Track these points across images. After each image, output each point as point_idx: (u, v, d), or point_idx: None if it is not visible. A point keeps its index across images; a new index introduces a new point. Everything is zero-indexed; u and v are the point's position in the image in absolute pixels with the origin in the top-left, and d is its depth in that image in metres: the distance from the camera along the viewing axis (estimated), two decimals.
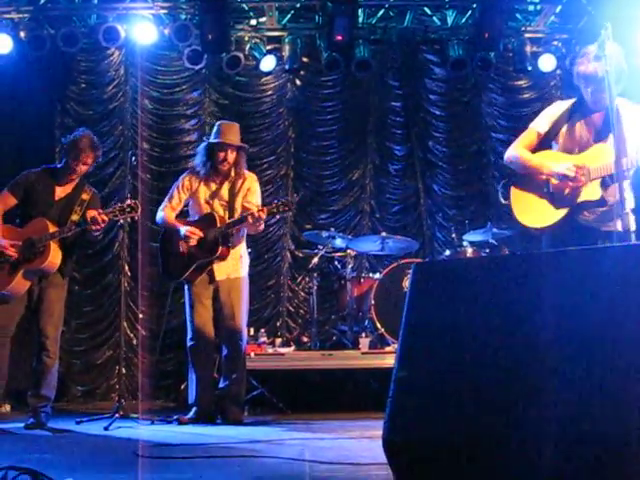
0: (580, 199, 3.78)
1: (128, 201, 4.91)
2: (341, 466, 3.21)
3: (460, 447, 2.03)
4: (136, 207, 4.87)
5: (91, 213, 4.78)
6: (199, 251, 5.23)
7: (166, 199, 5.52)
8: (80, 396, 7.62)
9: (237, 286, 5.35)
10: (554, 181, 3.84)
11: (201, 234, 5.21)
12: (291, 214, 7.88)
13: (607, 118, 3.71)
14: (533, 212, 3.95)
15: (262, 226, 5.33)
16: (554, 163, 3.85)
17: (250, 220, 5.03)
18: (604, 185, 3.74)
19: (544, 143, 4.06)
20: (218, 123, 5.53)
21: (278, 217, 5.60)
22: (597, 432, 1.85)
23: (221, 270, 5.31)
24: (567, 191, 3.81)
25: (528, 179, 4.02)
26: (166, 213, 5.44)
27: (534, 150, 4.04)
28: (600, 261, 2.15)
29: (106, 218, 4.78)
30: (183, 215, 5.61)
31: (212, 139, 5.38)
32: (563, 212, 3.82)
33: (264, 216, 5.07)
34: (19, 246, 4.83)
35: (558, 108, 4.08)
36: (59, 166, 5.17)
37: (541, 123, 4.07)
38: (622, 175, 3.38)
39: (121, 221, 5.01)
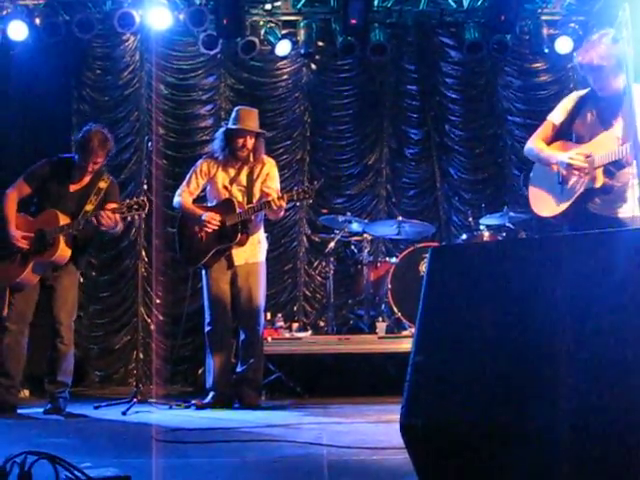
0: (585, 187, 3.79)
1: (136, 198, 4.92)
2: (358, 450, 3.21)
3: (478, 431, 2.02)
4: (144, 204, 4.87)
5: (101, 211, 4.79)
6: (218, 237, 5.24)
7: (184, 184, 5.51)
8: (98, 381, 7.68)
9: (255, 271, 5.36)
10: (563, 170, 3.85)
11: (221, 220, 5.22)
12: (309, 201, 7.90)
13: (613, 105, 3.73)
14: (545, 201, 4.02)
15: (282, 212, 5.32)
16: (561, 153, 3.87)
17: (273, 207, 5.03)
18: (607, 173, 3.75)
19: (562, 134, 4.09)
20: (237, 109, 5.49)
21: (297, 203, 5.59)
22: (613, 421, 1.83)
23: (239, 255, 5.32)
24: (574, 179, 3.82)
25: (543, 169, 4.05)
26: (184, 198, 5.44)
27: (551, 141, 4.07)
28: (616, 245, 2.14)
29: (112, 215, 4.79)
30: (200, 200, 5.61)
31: (230, 125, 5.35)
32: (570, 201, 3.85)
33: (284, 204, 5.07)
34: (30, 238, 4.86)
35: (572, 98, 4.15)
36: (75, 158, 5.16)
37: (556, 114, 4.15)
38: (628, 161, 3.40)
39: (129, 218, 5.01)
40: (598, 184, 3.78)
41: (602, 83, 3.81)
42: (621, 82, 3.63)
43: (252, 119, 5.36)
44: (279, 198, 5.04)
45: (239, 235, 5.19)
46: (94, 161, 4.98)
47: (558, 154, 3.91)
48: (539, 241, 2.79)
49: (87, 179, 5.08)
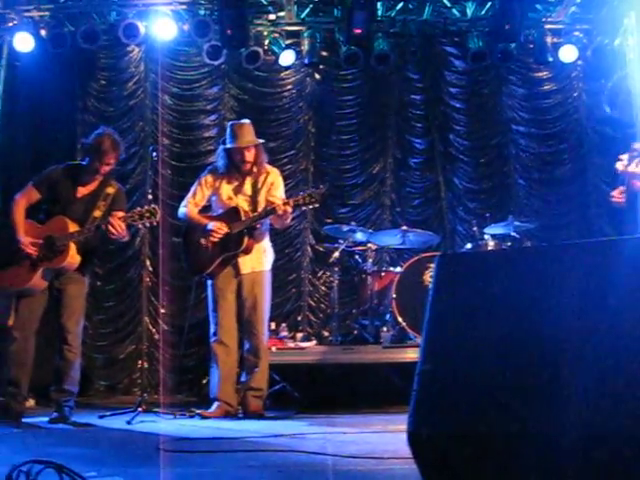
0: None
1: (147, 206, 4.91)
2: (364, 460, 3.20)
3: (486, 440, 2.01)
4: (155, 212, 4.86)
5: (112, 218, 4.79)
6: (224, 245, 5.24)
7: (188, 195, 5.53)
8: (103, 390, 7.68)
9: (260, 279, 5.37)
10: None
11: (227, 228, 5.22)
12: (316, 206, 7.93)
13: None
14: None
15: (289, 219, 5.31)
16: None
17: (279, 212, 5.03)
18: None
19: None
20: (230, 125, 5.52)
21: (303, 209, 5.56)
22: (625, 425, 1.83)
23: (246, 263, 5.33)
24: None
25: None
26: (189, 209, 5.46)
27: None
28: (623, 252, 2.14)
29: (122, 223, 4.79)
30: (205, 211, 5.62)
31: (228, 144, 5.38)
32: None
33: (290, 209, 5.07)
34: (39, 244, 4.86)
35: None
36: (84, 163, 5.15)
37: None
38: None
39: (139, 226, 5.00)
40: None
41: None
42: None
43: (247, 133, 5.37)
44: (285, 203, 5.05)
45: (245, 242, 5.20)
46: (106, 162, 4.96)
47: None
48: (546, 249, 2.79)
49: (95, 184, 5.08)
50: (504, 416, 2.02)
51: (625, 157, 5.13)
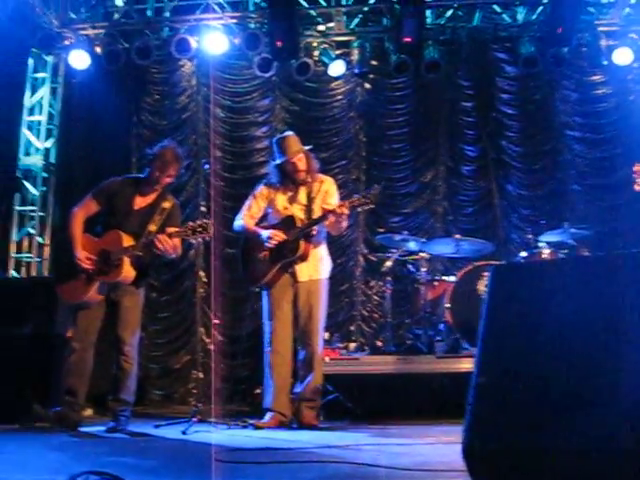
0: None
1: (199, 220, 4.92)
2: (417, 472, 3.17)
3: (542, 456, 1.97)
4: (208, 227, 4.83)
5: (160, 235, 4.84)
6: (281, 252, 5.26)
7: (244, 208, 5.57)
8: (158, 400, 7.78)
9: (317, 288, 5.37)
10: None
11: (283, 235, 5.25)
12: (366, 211, 7.91)
13: None
14: None
15: (345, 223, 5.25)
16: None
17: (332, 218, 5.03)
18: None
19: None
20: (275, 141, 5.53)
21: (359, 210, 5.48)
22: None
23: (303, 271, 5.34)
24: None
25: None
26: (246, 221, 5.50)
27: None
28: None
29: (170, 241, 4.83)
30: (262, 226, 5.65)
31: (278, 160, 5.41)
32: None
33: (346, 211, 5.04)
34: (94, 259, 4.95)
35: None
36: (142, 176, 5.23)
37: None
38: None
39: (192, 241, 5.03)
40: None
41: None
42: None
43: (293, 143, 5.39)
44: (340, 205, 5.04)
45: (302, 248, 5.21)
46: (168, 174, 5.04)
47: None
48: (603, 258, 2.72)
49: (153, 197, 5.14)
50: (563, 431, 1.97)
51: None
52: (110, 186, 5.18)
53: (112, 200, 5.11)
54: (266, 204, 5.53)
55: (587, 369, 2.03)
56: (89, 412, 6.30)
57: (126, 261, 4.90)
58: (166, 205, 5.09)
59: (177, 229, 4.92)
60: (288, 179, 5.44)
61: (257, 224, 5.54)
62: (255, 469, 3.47)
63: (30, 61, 8.37)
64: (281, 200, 5.47)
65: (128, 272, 4.92)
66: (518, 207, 8.18)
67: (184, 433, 4.88)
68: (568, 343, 2.11)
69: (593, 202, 8.09)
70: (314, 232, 5.32)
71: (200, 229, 4.85)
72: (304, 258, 5.28)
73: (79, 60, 7.92)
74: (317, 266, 5.40)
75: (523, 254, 6.88)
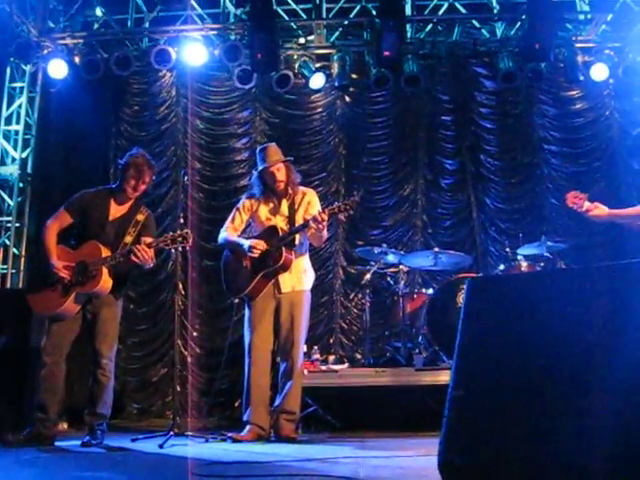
0: None
1: (179, 230, 4.95)
2: None
3: (519, 470, 1.97)
4: (187, 237, 4.88)
5: (138, 245, 4.82)
6: (263, 261, 5.27)
7: (227, 221, 5.61)
8: (136, 413, 7.70)
9: (300, 300, 5.38)
10: None
11: (265, 245, 5.26)
12: (346, 224, 7.95)
13: None
14: None
15: (325, 232, 5.29)
16: None
17: (313, 225, 5.04)
18: None
19: None
20: (257, 151, 5.64)
21: (340, 217, 5.51)
22: None
23: (286, 282, 5.35)
24: None
25: None
26: (229, 232, 5.53)
27: None
28: None
29: (149, 251, 4.81)
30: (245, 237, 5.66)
31: (259, 168, 5.48)
32: None
33: (326, 217, 5.07)
34: (72, 268, 4.90)
35: None
36: (114, 186, 5.24)
37: None
38: None
39: (172, 250, 5.03)
40: None
41: None
42: None
43: (274, 153, 5.48)
44: (320, 213, 5.06)
45: (284, 256, 5.22)
46: (142, 180, 5.04)
47: None
48: (578, 271, 2.74)
49: (127, 207, 5.14)
50: (541, 445, 1.97)
51: None
52: (83, 198, 5.16)
53: (86, 212, 5.08)
54: (248, 216, 5.57)
55: (564, 383, 2.03)
56: (64, 426, 6.24)
57: (104, 271, 4.86)
58: (140, 218, 5.09)
59: (157, 239, 4.91)
60: (269, 190, 5.46)
61: (239, 236, 5.54)
62: None
63: (7, 70, 8.32)
64: (264, 211, 5.50)
65: (106, 282, 4.88)
66: (496, 220, 8.24)
67: (161, 447, 4.83)
68: (544, 356, 2.12)
69: (570, 216, 8.15)
70: (296, 241, 5.33)
71: (180, 238, 4.87)
72: (286, 267, 5.29)
73: (57, 70, 7.88)
74: (300, 277, 5.41)
75: (501, 267, 6.93)
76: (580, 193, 5.17)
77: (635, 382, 1.90)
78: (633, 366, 1.92)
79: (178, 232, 4.93)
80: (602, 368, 1.97)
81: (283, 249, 5.25)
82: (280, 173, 5.43)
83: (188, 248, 5.05)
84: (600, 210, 5.12)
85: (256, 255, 5.26)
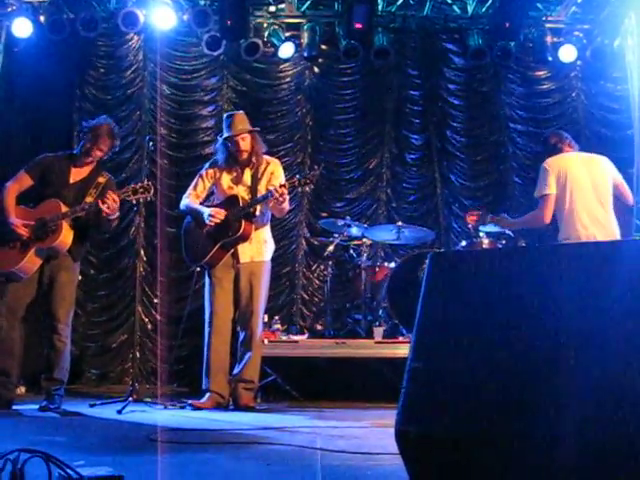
0: None
1: (141, 183, 4.95)
2: (352, 455, 3.21)
3: (474, 440, 2.01)
4: (149, 188, 4.91)
5: (107, 195, 4.80)
6: (223, 230, 5.26)
7: (190, 188, 5.59)
8: (94, 379, 7.67)
9: (259, 270, 5.38)
10: None
11: (224, 213, 5.24)
12: (310, 195, 7.95)
13: None
14: None
15: (286, 204, 5.30)
16: None
17: (274, 196, 5.03)
18: None
19: None
20: (224, 117, 5.61)
21: (299, 190, 5.53)
22: (615, 433, 1.82)
23: (245, 252, 5.34)
24: None
25: None
26: (190, 199, 5.52)
27: None
28: (620, 254, 2.13)
29: (117, 198, 4.81)
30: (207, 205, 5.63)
31: (225, 135, 5.43)
32: None
33: (286, 191, 5.08)
34: (31, 225, 4.86)
35: None
36: (75, 151, 5.22)
37: None
38: None
39: (134, 201, 5.00)
40: None
41: None
42: None
43: (240, 122, 5.43)
44: (281, 186, 5.06)
45: (243, 227, 5.21)
46: (99, 148, 5.03)
47: None
48: (540, 249, 2.78)
49: (87, 170, 5.12)
50: (494, 417, 2.01)
51: None
52: (43, 160, 5.14)
53: (46, 174, 5.06)
54: (211, 183, 5.55)
55: (520, 359, 2.07)
56: (22, 390, 6.20)
57: (64, 226, 4.84)
58: (101, 180, 5.10)
59: (119, 190, 4.90)
60: (232, 159, 5.43)
61: (202, 204, 5.52)
62: (190, 449, 3.47)
63: None
64: (226, 180, 5.48)
65: (66, 237, 4.85)
66: (460, 197, 8.31)
67: (119, 413, 4.84)
68: (501, 331, 2.15)
69: (532, 194, 8.25)
70: (257, 212, 5.33)
71: (142, 190, 4.89)
72: (245, 238, 5.29)
73: (21, 28, 7.67)
74: (260, 248, 5.41)
75: (463, 243, 7.00)
76: (475, 210, 5.92)
77: (599, 361, 1.93)
78: (597, 347, 1.96)
79: (140, 184, 4.94)
80: (564, 344, 2.01)
81: (243, 219, 5.24)
82: (244, 143, 5.38)
83: (150, 200, 5.06)
84: (505, 220, 5.84)
85: (213, 224, 5.25)
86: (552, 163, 5.35)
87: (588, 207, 5.21)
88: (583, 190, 5.23)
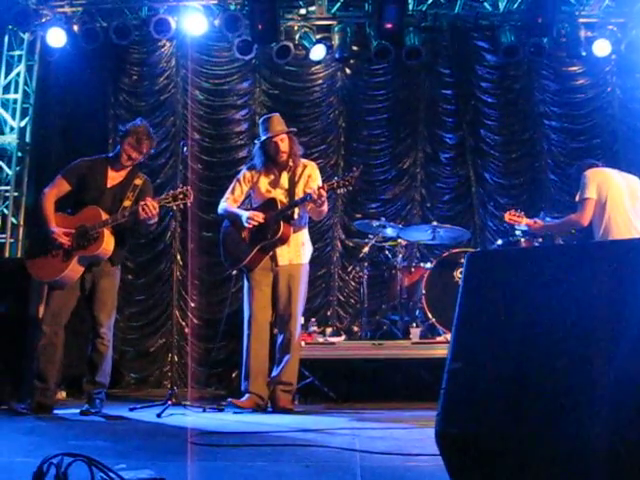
0: None
1: (180, 188, 4.97)
2: (392, 456, 3.19)
3: (515, 441, 1.99)
4: (188, 194, 4.92)
5: (146, 200, 4.84)
6: (261, 233, 5.28)
7: (227, 192, 5.60)
8: (133, 383, 7.76)
9: (297, 273, 5.38)
10: None
11: (263, 216, 5.26)
12: (344, 197, 7.95)
13: None
14: None
15: (325, 207, 5.29)
16: None
17: (313, 198, 5.03)
18: None
19: None
20: (260, 120, 5.63)
21: (339, 192, 5.52)
22: None
23: (284, 255, 5.35)
24: None
25: None
26: (228, 203, 5.54)
27: None
28: None
29: (156, 204, 4.84)
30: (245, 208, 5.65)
31: (262, 138, 5.44)
32: None
33: (325, 193, 5.07)
34: (72, 234, 4.91)
35: None
36: (111, 155, 5.25)
37: None
38: None
39: (174, 207, 5.03)
40: None
41: None
42: None
43: (277, 123, 5.44)
44: (319, 188, 5.06)
45: (281, 229, 5.22)
46: (139, 149, 5.05)
47: None
48: (578, 247, 2.75)
49: (124, 174, 5.15)
50: (533, 419, 1.99)
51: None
52: (80, 165, 5.17)
53: (83, 179, 5.09)
54: (249, 187, 5.56)
55: (562, 359, 2.04)
56: (63, 395, 6.28)
57: (106, 233, 4.88)
58: (137, 182, 5.12)
59: (159, 197, 4.94)
60: (271, 162, 5.43)
61: (239, 207, 5.54)
62: (229, 452, 3.48)
63: (5, 38, 8.24)
64: (264, 183, 5.49)
65: (108, 244, 4.90)
66: (495, 195, 8.24)
67: (159, 416, 4.87)
68: (542, 331, 2.13)
69: (569, 191, 8.14)
70: (295, 215, 5.33)
71: (181, 196, 4.90)
72: (284, 240, 5.29)
73: (56, 38, 7.81)
74: (298, 251, 5.41)
75: (499, 242, 6.94)
76: (517, 211, 6.02)
77: (632, 363, 1.90)
78: (631, 347, 1.93)
79: (179, 190, 4.96)
80: (600, 343, 1.98)
81: (281, 222, 5.25)
82: (283, 144, 5.39)
83: (190, 205, 5.07)
84: (538, 224, 6.00)
85: (252, 226, 5.26)
86: (593, 173, 5.56)
87: (626, 217, 5.40)
88: (622, 200, 5.44)
